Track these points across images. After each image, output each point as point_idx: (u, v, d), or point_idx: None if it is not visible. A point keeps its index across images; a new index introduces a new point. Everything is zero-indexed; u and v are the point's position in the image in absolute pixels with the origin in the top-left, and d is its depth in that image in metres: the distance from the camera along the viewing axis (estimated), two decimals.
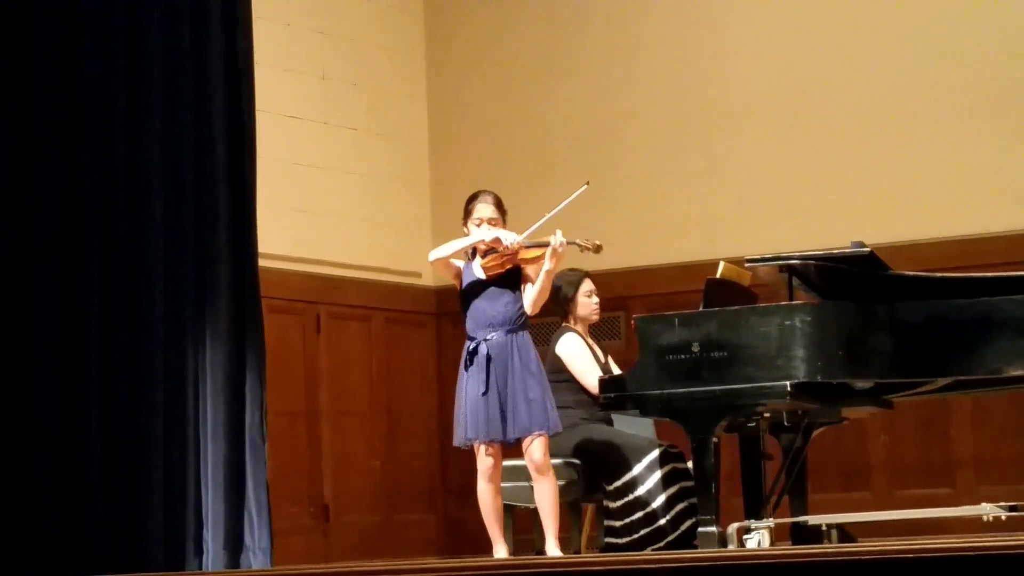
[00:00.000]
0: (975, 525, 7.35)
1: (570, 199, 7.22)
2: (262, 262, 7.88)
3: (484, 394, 6.99)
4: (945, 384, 7.03)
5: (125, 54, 7.54)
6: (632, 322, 7.35)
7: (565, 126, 10.67)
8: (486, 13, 11.00)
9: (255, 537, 7.49)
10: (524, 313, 7.14)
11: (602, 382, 7.32)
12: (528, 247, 7.12)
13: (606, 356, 7.93)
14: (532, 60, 10.82)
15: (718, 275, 7.37)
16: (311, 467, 9.92)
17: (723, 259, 7.56)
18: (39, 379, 7.30)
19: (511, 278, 7.14)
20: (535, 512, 7.31)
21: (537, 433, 7.00)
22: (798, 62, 10.06)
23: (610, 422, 7.79)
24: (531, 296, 7.11)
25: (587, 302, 7.88)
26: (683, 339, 6.93)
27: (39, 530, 7.20)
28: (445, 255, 7.22)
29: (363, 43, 10.63)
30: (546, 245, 7.07)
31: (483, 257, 7.14)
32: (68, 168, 7.43)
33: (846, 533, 7.26)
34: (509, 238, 7.07)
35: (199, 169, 7.66)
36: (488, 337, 7.06)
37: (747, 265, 7.18)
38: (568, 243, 7.11)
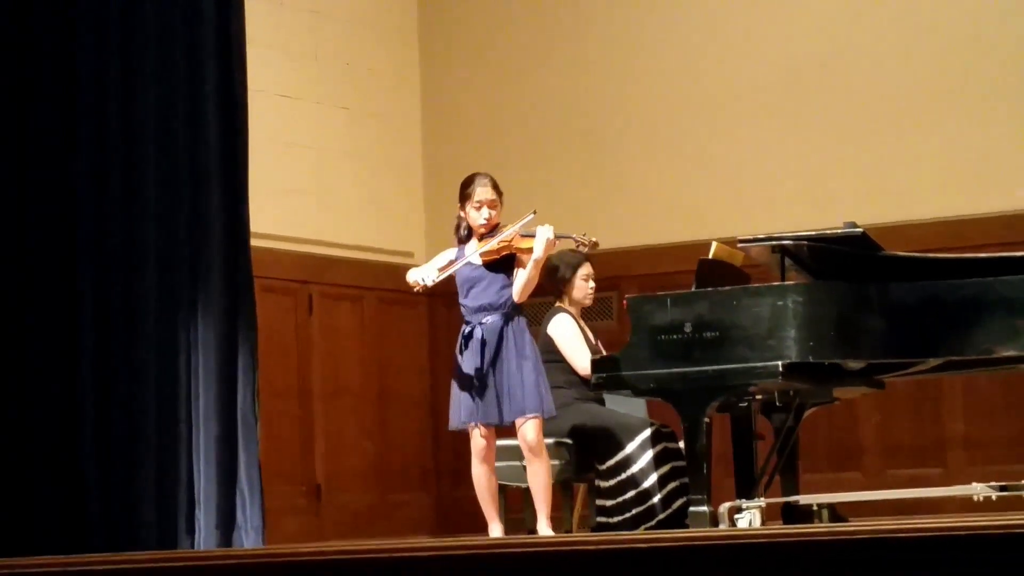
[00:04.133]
0: (966, 505, 7.36)
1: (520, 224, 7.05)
2: (254, 242, 7.87)
3: (479, 377, 7.00)
4: (937, 364, 7.04)
5: (119, 33, 7.54)
6: (624, 302, 7.35)
7: (558, 108, 10.66)
8: None
9: (247, 516, 7.50)
10: None
11: (594, 362, 7.32)
12: (524, 236, 7.09)
13: (596, 338, 7.93)
14: (525, 41, 10.80)
15: (710, 255, 7.37)
16: (303, 447, 9.92)
17: (716, 239, 7.57)
18: (32, 358, 7.30)
19: (505, 263, 7.12)
20: (527, 492, 7.31)
21: (531, 416, 7.01)
22: (790, 49, 10.05)
23: (602, 402, 7.79)
24: (518, 284, 7.07)
25: (583, 285, 7.88)
26: (675, 319, 6.93)
27: (31, 509, 7.21)
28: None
29: (356, 23, 10.60)
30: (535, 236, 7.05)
31: (480, 241, 7.13)
32: (62, 150, 7.43)
33: (837, 513, 7.28)
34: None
35: (192, 148, 7.65)
36: (483, 321, 7.06)
37: (739, 245, 7.17)
38: (563, 237, 7.09)
